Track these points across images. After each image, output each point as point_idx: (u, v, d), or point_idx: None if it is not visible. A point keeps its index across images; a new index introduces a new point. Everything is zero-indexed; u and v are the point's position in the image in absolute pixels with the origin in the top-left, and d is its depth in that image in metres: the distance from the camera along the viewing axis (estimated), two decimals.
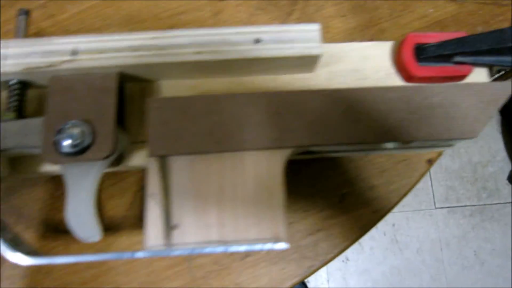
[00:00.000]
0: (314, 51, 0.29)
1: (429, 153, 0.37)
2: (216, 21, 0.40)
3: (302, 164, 0.36)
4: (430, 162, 0.37)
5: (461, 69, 0.32)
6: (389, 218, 1.24)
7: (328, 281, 1.20)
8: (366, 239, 1.23)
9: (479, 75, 0.33)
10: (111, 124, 0.29)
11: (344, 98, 0.28)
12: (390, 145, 0.32)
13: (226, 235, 0.26)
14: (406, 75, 0.32)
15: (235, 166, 0.28)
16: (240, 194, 0.27)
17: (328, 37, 0.39)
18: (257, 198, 0.27)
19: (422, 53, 0.32)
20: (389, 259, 1.22)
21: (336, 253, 0.35)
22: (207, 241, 0.26)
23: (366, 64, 0.33)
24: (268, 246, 0.26)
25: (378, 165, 0.37)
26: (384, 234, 1.23)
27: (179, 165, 0.28)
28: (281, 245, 0.26)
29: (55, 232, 0.36)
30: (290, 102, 0.28)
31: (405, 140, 0.28)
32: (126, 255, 0.27)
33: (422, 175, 0.37)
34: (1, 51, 0.30)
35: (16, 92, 0.31)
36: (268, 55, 0.29)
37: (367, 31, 0.40)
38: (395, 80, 0.33)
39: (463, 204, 1.25)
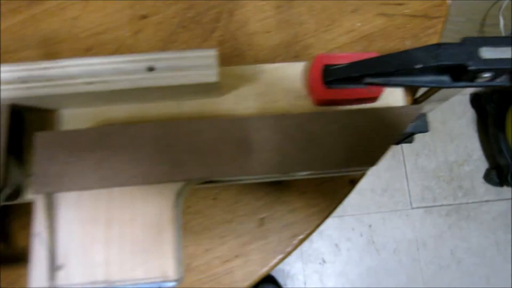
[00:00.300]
0: (209, 79, 0.28)
1: (352, 174, 0.36)
2: (135, 40, 0.38)
3: (219, 189, 0.35)
4: (353, 182, 0.36)
5: (371, 90, 0.31)
6: (365, 219, 1.24)
7: (305, 283, 1.20)
8: (343, 241, 1.22)
9: (394, 95, 0.33)
10: (3, 159, 0.28)
11: (237, 128, 0.27)
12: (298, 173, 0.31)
13: (111, 275, 0.25)
14: (315, 98, 0.31)
15: (123, 202, 0.27)
16: (128, 231, 0.26)
17: (251, 54, 0.38)
18: (145, 235, 0.26)
19: (330, 75, 0.31)
20: (366, 260, 1.21)
21: (252, 281, 0.34)
22: (92, 282, 0.25)
23: (276, 87, 0.32)
24: (155, 285, 0.25)
25: (298, 187, 0.36)
26: (361, 235, 1.23)
27: (66, 202, 0.27)
28: (169, 284, 0.25)
29: None
30: (182, 133, 0.27)
31: (301, 172, 0.27)
32: None
33: (345, 196, 0.36)
34: None
35: None
36: (162, 83, 0.28)
37: (291, 48, 0.39)
38: (305, 103, 0.32)
39: (440, 203, 1.25)
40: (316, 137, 0.27)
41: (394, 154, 1.25)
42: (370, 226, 1.23)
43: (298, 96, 0.32)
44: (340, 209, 0.37)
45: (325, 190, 0.36)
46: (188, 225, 0.35)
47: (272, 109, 0.31)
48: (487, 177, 1.24)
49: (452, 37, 0.40)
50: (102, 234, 0.26)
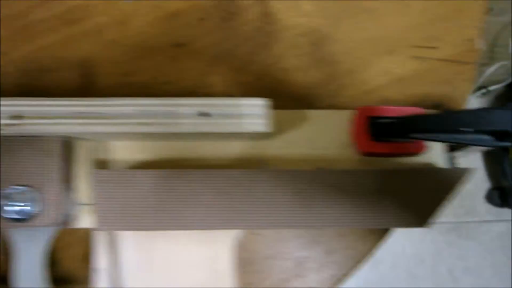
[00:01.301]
0: (262, 129, 0.29)
1: None
2: (173, 68, 0.39)
3: None
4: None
5: (415, 146, 0.32)
6: None
7: None
8: None
9: (435, 150, 0.33)
10: (57, 190, 0.29)
11: (293, 181, 0.28)
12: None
13: None
14: (359, 150, 0.32)
15: (179, 244, 0.28)
16: (184, 273, 0.27)
17: (287, 92, 0.39)
18: (200, 277, 0.27)
19: (377, 129, 0.32)
20: (364, 273, 1.23)
21: None
22: None
23: (322, 134, 0.33)
24: None
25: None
26: None
27: (126, 240, 0.28)
28: None
29: None
30: (240, 181, 0.28)
31: (354, 227, 0.28)
32: None
33: (383, 239, 0.37)
34: None
35: None
36: (214, 130, 0.29)
37: (327, 87, 0.40)
38: (351, 153, 0.33)
39: (440, 220, 1.26)
40: (370, 195, 0.28)
41: None
42: None
43: (344, 144, 0.33)
44: None
45: (364, 233, 0.36)
46: None
47: (319, 157, 0.32)
48: (489, 197, 1.26)
49: None
50: (162, 274, 0.27)
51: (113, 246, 0.28)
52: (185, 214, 0.27)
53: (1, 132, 0.29)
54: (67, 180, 0.30)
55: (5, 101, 0.29)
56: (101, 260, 0.27)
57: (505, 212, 1.25)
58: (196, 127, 0.29)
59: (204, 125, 0.29)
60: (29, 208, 0.28)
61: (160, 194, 0.28)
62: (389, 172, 0.29)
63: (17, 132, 0.29)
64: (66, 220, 0.29)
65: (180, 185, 0.28)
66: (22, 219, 0.28)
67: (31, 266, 0.29)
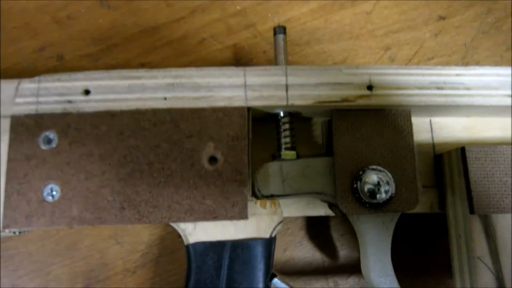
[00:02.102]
0: None
1: None
2: (436, 43, 0.36)
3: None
4: None
5: None
6: None
7: None
8: None
9: None
10: (413, 171, 0.26)
11: None
12: None
13: None
14: None
15: None
16: None
17: None
18: None
19: None
20: None
21: None
22: None
23: None
24: None
25: None
26: None
27: (503, 224, 0.25)
28: None
29: (282, 273, 0.32)
30: None
31: None
32: None
33: None
34: (288, 79, 0.26)
35: (287, 126, 0.27)
36: None
37: None
38: None
39: None
40: None
41: None
42: None
43: None
44: None
45: None
46: None
47: None
48: None
49: None
50: None
51: (490, 231, 0.25)
52: None
53: (352, 104, 0.26)
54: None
55: (355, 69, 0.26)
56: (480, 248, 0.24)
57: None
58: None
59: None
60: (387, 192, 0.25)
61: None
62: None
63: (368, 103, 0.26)
64: (417, 205, 0.26)
65: None
66: (375, 204, 0.25)
67: (384, 258, 0.26)
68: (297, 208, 0.28)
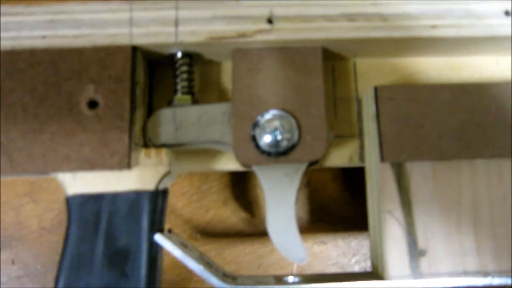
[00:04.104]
0: None
1: None
2: None
3: None
4: None
5: None
6: None
7: None
8: None
9: None
10: (321, 116, 0.23)
11: None
12: None
13: (486, 265, 0.21)
14: None
15: (490, 178, 0.22)
16: (499, 212, 0.21)
17: None
18: None
19: None
20: None
21: None
22: (463, 272, 0.21)
23: None
24: None
25: None
26: None
27: (418, 174, 0.22)
28: None
29: (204, 234, 0.30)
30: None
31: None
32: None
33: None
34: (178, 13, 0.23)
35: (184, 69, 0.24)
36: None
37: None
38: None
39: None
40: None
41: None
42: None
43: None
44: None
45: None
46: None
47: None
48: None
49: None
50: (468, 215, 0.21)
51: (402, 182, 0.22)
52: (492, 138, 0.21)
53: (250, 39, 0.23)
54: (327, 104, 0.24)
55: (252, 1, 0.23)
56: (390, 201, 0.21)
57: None
58: (502, 28, 0.23)
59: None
60: (289, 140, 0.22)
61: (459, 114, 0.22)
62: None
63: (268, 39, 0.23)
64: (323, 155, 0.23)
65: (484, 102, 0.22)
66: (275, 153, 0.22)
67: (285, 214, 0.23)
68: (196, 163, 0.25)
